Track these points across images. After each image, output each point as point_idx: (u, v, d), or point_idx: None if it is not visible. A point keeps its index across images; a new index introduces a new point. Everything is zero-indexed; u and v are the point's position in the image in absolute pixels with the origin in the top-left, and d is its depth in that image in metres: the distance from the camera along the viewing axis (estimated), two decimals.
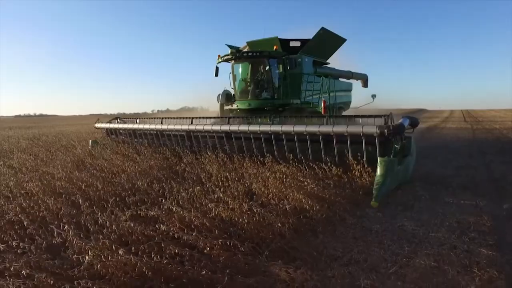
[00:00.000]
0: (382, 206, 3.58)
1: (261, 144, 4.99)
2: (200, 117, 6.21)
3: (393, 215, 3.40)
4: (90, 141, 7.52)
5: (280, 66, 7.44)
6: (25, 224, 2.58)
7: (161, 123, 6.46)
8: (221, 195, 3.02)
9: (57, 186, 3.67)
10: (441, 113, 44.01)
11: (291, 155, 4.51)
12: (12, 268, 1.82)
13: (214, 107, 9.10)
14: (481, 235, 2.84)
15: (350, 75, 11.55)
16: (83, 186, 3.49)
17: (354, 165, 4.10)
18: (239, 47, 9.18)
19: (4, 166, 5.03)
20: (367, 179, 4.03)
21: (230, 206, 2.76)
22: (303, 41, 9.12)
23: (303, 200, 3.01)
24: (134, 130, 7.06)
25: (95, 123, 8.33)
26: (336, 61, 10.64)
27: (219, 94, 8.39)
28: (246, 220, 2.54)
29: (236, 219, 2.57)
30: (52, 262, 2.07)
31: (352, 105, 11.75)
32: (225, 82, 8.50)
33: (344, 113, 10.69)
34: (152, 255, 2.00)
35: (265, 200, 3.11)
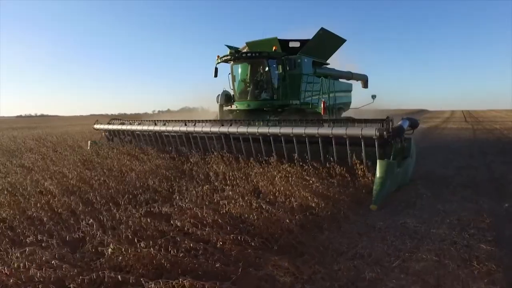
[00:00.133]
0: (384, 204, 3.68)
1: (260, 145, 4.97)
2: (196, 120, 6.06)
3: (396, 213, 3.51)
4: (89, 141, 7.55)
5: (280, 66, 7.43)
6: (44, 220, 2.70)
7: (158, 124, 6.42)
8: (230, 193, 3.14)
9: (70, 184, 3.80)
10: (442, 113, 44.07)
11: (294, 155, 4.52)
12: (43, 258, 1.94)
13: (214, 107, 9.07)
14: (481, 231, 2.95)
15: (350, 75, 11.53)
16: (96, 185, 3.61)
17: (357, 165, 4.14)
18: (238, 48, 9.24)
19: (17, 165, 5.16)
20: (370, 178, 4.13)
21: (240, 203, 2.88)
22: (303, 42, 9.10)
23: (309, 197, 3.12)
24: (133, 132, 7.04)
25: (94, 124, 8.28)
26: (336, 61, 10.68)
27: (218, 94, 8.37)
28: (255, 217, 2.65)
29: (246, 215, 2.68)
30: (73, 255, 2.19)
31: (352, 106, 11.72)
32: (226, 82, 8.46)
33: (344, 114, 10.73)
34: (169, 249, 2.12)
35: (272, 197, 3.23)
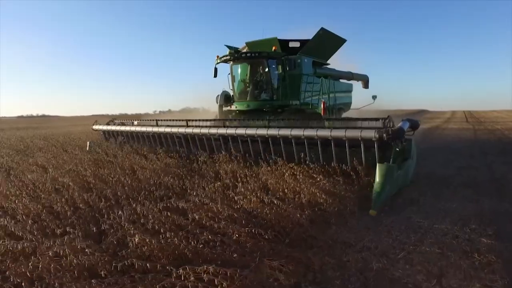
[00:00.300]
0: (388, 201, 3.82)
1: (262, 147, 4.94)
2: (196, 120, 6.16)
3: (399, 210, 3.64)
4: (88, 142, 7.58)
5: (279, 67, 7.39)
6: (68, 214, 2.86)
7: (157, 125, 6.45)
8: (242, 189, 3.29)
9: (86, 181, 3.95)
10: (443, 114, 44.14)
11: (301, 155, 4.53)
12: (78, 246, 2.09)
13: (215, 108, 8.99)
14: (481, 226, 3.09)
15: (351, 76, 11.47)
16: (112, 182, 3.76)
17: (357, 168, 4.15)
18: (238, 48, 9.22)
19: (32, 164, 5.31)
20: (372, 179, 4.24)
21: (252, 199, 3.03)
22: (303, 42, 9.05)
23: (317, 194, 3.27)
24: (132, 132, 7.03)
25: (93, 124, 8.28)
26: (336, 62, 10.59)
27: (218, 95, 8.36)
28: (267, 211, 2.80)
29: (259, 210, 2.83)
30: (99, 246, 2.34)
31: (352, 106, 11.66)
32: (226, 82, 8.39)
33: (344, 114, 10.63)
34: (189, 240, 2.27)
35: (282, 194, 3.37)
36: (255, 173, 3.97)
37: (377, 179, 3.67)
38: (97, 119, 8.30)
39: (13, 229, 2.44)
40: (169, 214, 2.62)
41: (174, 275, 1.84)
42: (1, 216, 2.84)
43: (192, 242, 2.26)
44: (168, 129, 6.10)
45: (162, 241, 2.21)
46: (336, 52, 10.04)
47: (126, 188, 3.64)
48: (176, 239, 2.19)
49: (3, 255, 2.05)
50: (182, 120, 6.23)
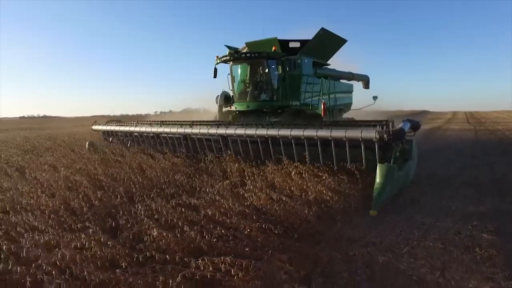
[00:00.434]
0: (391, 200, 3.91)
1: (261, 148, 4.89)
2: (197, 121, 6.11)
3: (402, 208, 3.74)
4: (87, 143, 7.62)
5: (279, 67, 7.35)
6: (84, 210, 2.98)
7: (158, 125, 6.44)
8: (251, 187, 3.40)
9: (97, 180, 4.07)
10: (444, 114, 44.19)
11: (305, 154, 4.51)
12: (101, 240, 2.20)
13: (215, 108, 8.90)
14: (483, 223, 3.19)
15: (351, 76, 11.37)
16: (124, 179, 3.88)
17: (361, 167, 4.15)
18: (238, 48, 9.16)
19: (43, 163, 5.44)
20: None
21: (261, 196, 3.14)
22: (303, 42, 8.98)
23: (323, 191, 3.38)
24: (131, 133, 7.02)
25: (92, 125, 8.28)
26: (336, 62, 10.50)
27: (218, 95, 8.32)
28: (276, 208, 2.91)
29: (268, 206, 2.94)
30: (116, 240, 2.46)
31: (353, 107, 11.51)
32: (226, 83, 8.32)
33: (345, 115, 10.63)
34: (204, 234, 2.38)
35: (289, 192, 3.49)
36: (262, 171, 4.07)
37: (378, 179, 3.68)
38: (98, 119, 8.29)
39: (36, 224, 2.56)
40: (183, 210, 2.74)
41: (194, 266, 1.95)
42: (22, 212, 2.95)
43: (207, 236, 2.37)
44: (167, 129, 6.11)
45: (178, 235, 2.33)
46: (337, 53, 10.00)
47: (137, 186, 3.76)
48: (192, 232, 2.31)
49: (32, 246, 2.17)
50: (182, 121, 6.24)
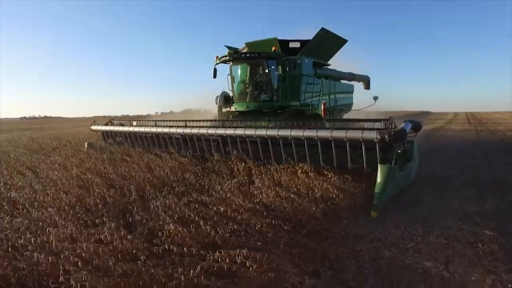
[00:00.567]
0: (393, 199, 3.99)
1: (265, 148, 4.83)
2: (196, 120, 6.15)
3: (406, 207, 3.84)
4: (86, 143, 7.66)
5: (279, 67, 7.33)
6: (99, 207, 3.09)
7: (156, 125, 6.45)
8: (259, 185, 3.51)
9: (108, 178, 4.18)
10: (445, 115, 44.24)
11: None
12: (121, 234, 2.31)
13: (216, 109, 8.78)
14: (484, 220, 3.30)
15: (352, 77, 11.34)
16: (135, 178, 3.99)
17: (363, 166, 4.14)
18: (238, 48, 9.15)
19: (53, 162, 5.55)
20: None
21: (270, 194, 3.24)
22: (303, 42, 8.93)
23: (329, 189, 3.48)
24: (130, 133, 7.01)
25: (91, 125, 8.29)
26: (337, 62, 10.46)
27: (217, 96, 8.27)
28: (284, 205, 3.02)
29: (277, 203, 3.05)
30: (132, 235, 2.56)
31: (353, 107, 11.50)
32: (227, 83, 8.22)
33: (345, 116, 10.56)
34: (217, 229, 2.48)
35: (296, 190, 3.59)
36: (269, 170, 4.18)
37: (379, 180, 3.65)
38: (99, 120, 8.29)
39: (56, 219, 2.66)
40: (196, 206, 2.84)
41: (211, 258, 2.05)
42: (41, 208, 3.06)
43: (220, 231, 2.47)
44: (166, 130, 6.13)
45: (193, 230, 2.43)
46: (337, 53, 9.97)
47: (148, 184, 3.86)
48: (208, 227, 2.41)
49: (55, 240, 2.27)
50: (182, 121, 6.24)
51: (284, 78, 7.57)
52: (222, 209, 2.86)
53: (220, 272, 1.98)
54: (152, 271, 1.91)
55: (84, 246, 2.13)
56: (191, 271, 1.88)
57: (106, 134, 7.88)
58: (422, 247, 2.71)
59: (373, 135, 3.83)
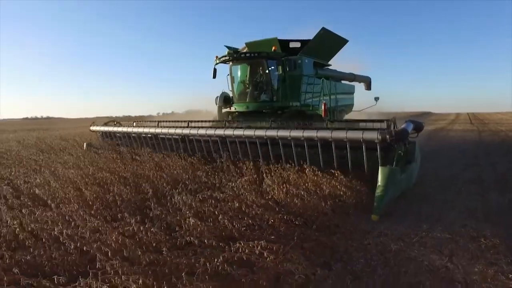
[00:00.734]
0: (399, 196, 4.10)
1: (265, 148, 4.80)
2: (196, 121, 6.14)
3: (410, 204, 3.97)
4: (85, 144, 7.68)
5: (279, 67, 7.28)
6: (117, 203, 3.24)
7: (157, 126, 6.43)
8: (270, 182, 3.65)
9: (122, 177, 4.33)
10: (447, 115, 44.26)
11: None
12: (138, 227, 2.46)
13: (216, 109, 8.78)
14: (487, 216, 3.43)
15: (353, 77, 11.30)
16: (150, 176, 4.15)
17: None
18: (238, 49, 9.02)
19: (66, 162, 5.71)
20: None
21: (280, 191, 3.39)
22: (303, 42, 8.89)
23: (337, 186, 3.62)
24: (129, 134, 6.99)
25: (91, 126, 8.27)
26: (338, 63, 10.43)
27: (217, 96, 8.25)
28: (295, 201, 3.16)
29: (288, 200, 3.19)
30: (153, 229, 2.71)
31: (354, 108, 11.45)
32: (226, 83, 8.19)
33: (346, 116, 10.53)
34: (234, 223, 2.63)
35: (304, 187, 3.73)
36: (277, 169, 4.32)
37: (380, 182, 3.56)
38: (102, 120, 8.33)
39: (81, 213, 2.82)
40: (212, 202, 2.99)
41: (232, 249, 2.20)
42: (62, 204, 3.22)
43: (236, 225, 2.62)
44: (165, 130, 6.13)
45: (211, 224, 2.58)
46: (338, 53, 9.92)
47: (162, 182, 4.02)
48: (225, 221, 2.56)
49: (84, 231, 2.43)
50: (184, 121, 6.25)
51: (284, 78, 7.52)
52: (236, 204, 3.01)
53: (240, 261, 2.12)
54: (177, 260, 2.06)
55: (113, 237, 2.28)
56: (215, 260, 2.02)
57: (105, 135, 7.89)
58: (427, 241, 2.85)
59: (373, 136, 3.76)
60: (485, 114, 44.61)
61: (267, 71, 7.39)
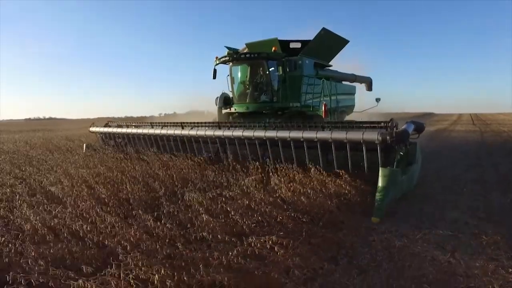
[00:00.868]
0: (402, 195, 4.20)
1: (265, 149, 4.83)
2: (193, 122, 6.15)
3: (413, 203, 4.05)
4: (84, 145, 7.81)
5: (280, 68, 7.27)
6: (130, 201, 3.37)
7: (155, 127, 6.51)
8: (276, 181, 3.77)
9: (131, 176, 4.46)
10: (450, 116, 44.24)
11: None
12: (151, 223, 2.58)
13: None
14: (489, 215, 3.53)
15: (354, 78, 11.28)
16: (160, 175, 4.27)
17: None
18: (238, 49, 8.99)
19: (77, 161, 5.85)
20: None
21: (287, 189, 3.50)
22: (304, 42, 8.86)
23: (342, 185, 3.73)
24: (128, 135, 7.08)
25: (90, 127, 8.31)
26: (339, 64, 10.36)
27: (217, 97, 8.25)
28: (303, 199, 3.27)
29: (295, 198, 3.31)
30: (166, 225, 2.83)
31: (356, 109, 11.40)
32: (226, 84, 8.18)
33: (347, 117, 10.47)
34: (244, 220, 2.75)
35: (311, 186, 3.84)
36: (283, 168, 4.43)
37: (380, 184, 3.52)
38: (104, 121, 8.40)
39: (98, 210, 2.95)
40: (223, 199, 3.11)
41: (245, 243, 2.31)
42: (78, 201, 3.35)
43: (246, 222, 2.73)
44: (164, 131, 6.21)
45: (222, 220, 2.69)
46: (339, 54, 9.91)
47: (171, 181, 4.14)
48: (237, 217, 2.67)
49: (103, 228, 2.55)
50: (188, 123, 6.25)
51: (285, 79, 7.51)
52: (246, 202, 3.12)
53: (252, 255, 2.23)
54: (193, 254, 2.17)
55: (131, 232, 2.40)
56: (229, 254, 2.14)
57: (104, 136, 7.95)
58: (430, 238, 2.95)
59: (374, 137, 3.74)
60: (488, 115, 44.53)
61: (267, 72, 7.39)
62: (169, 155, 6.16)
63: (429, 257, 2.59)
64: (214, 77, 7.99)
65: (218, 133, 5.33)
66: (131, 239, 2.33)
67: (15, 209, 3.10)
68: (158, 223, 2.74)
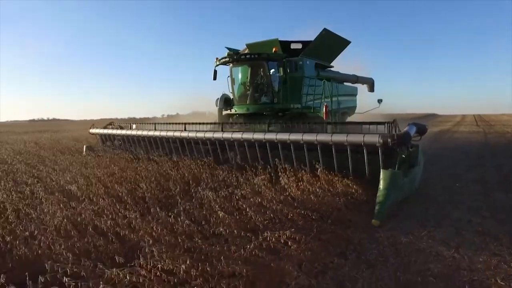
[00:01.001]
0: (401, 201, 4.21)
1: (275, 152, 4.81)
2: (194, 123, 6.16)
3: (417, 203, 4.16)
4: (84, 146, 7.86)
5: (280, 69, 7.23)
6: (146, 199, 3.52)
7: (155, 129, 6.52)
8: (286, 181, 3.91)
9: (143, 176, 4.61)
10: (453, 117, 44.15)
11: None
12: (171, 219, 2.73)
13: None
14: (492, 213, 3.64)
15: (355, 79, 11.23)
16: (173, 174, 4.43)
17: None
18: (239, 50, 9.01)
19: (88, 162, 6.02)
20: None
21: (297, 188, 3.64)
22: (305, 43, 8.80)
23: (349, 184, 3.86)
24: (127, 136, 7.12)
25: (90, 128, 8.32)
26: (340, 65, 10.49)
27: (217, 98, 8.19)
28: (312, 198, 3.41)
29: (305, 196, 3.44)
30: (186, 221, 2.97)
31: (357, 110, 11.42)
32: (227, 85, 8.16)
33: (349, 119, 10.47)
34: (257, 216, 2.89)
35: (319, 185, 3.97)
36: (291, 168, 4.56)
37: (381, 186, 3.48)
38: (107, 122, 8.45)
39: (118, 207, 3.10)
40: (237, 197, 3.26)
41: (261, 238, 2.45)
42: (98, 199, 3.51)
43: (259, 219, 2.87)
44: (163, 133, 6.23)
45: (237, 217, 2.83)
46: (341, 55, 9.87)
47: (184, 180, 4.30)
48: (251, 213, 2.82)
49: (124, 223, 2.71)
50: (193, 124, 6.28)
51: (285, 80, 7.46)
52: (258, 200, 3.26)
53: (267, 249, 2.37)
54: (212, 248, 2.32)
55: (153, 227, 2.55)
56: (246, 247, 2.28)
57: (104, 137, 8.00)
58: (435, 235, 3.07)
59: (375, 139, 3.70)
60: (491, 116, 44.36)
61: (267, 73, 7.33)
62: (178, 155, 6.30)
63: (434, 253, 2.71)
64: (215, 78, 7.96)
65: (227, 135, 5.35)
66: (153, 233, 2.48)
67: (37, 206, 3.26)
68: (176, 219, 2.88)
